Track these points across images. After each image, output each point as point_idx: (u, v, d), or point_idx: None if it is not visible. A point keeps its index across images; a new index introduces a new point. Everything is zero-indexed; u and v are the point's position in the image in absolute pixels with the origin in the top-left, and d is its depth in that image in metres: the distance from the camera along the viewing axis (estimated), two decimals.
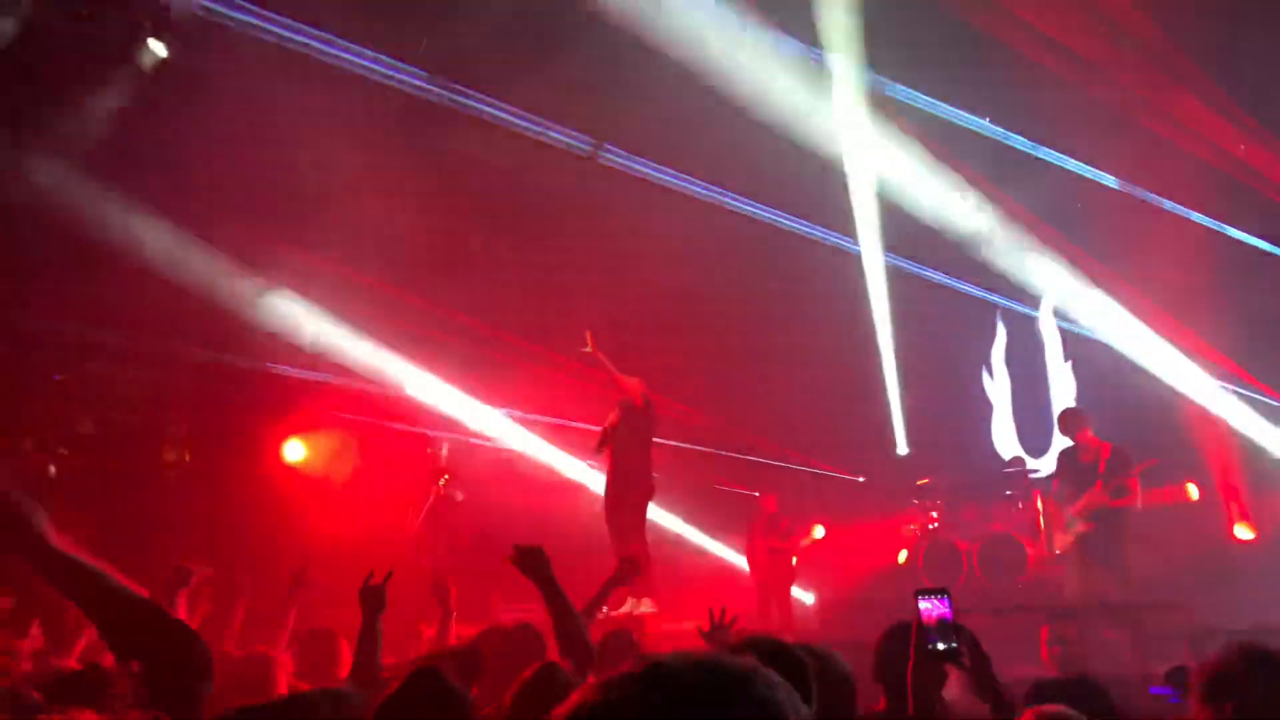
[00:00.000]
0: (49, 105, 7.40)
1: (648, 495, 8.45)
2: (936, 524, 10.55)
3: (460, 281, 10.24)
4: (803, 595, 11.32)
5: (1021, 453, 11.67)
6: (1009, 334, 12.66)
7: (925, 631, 2.73)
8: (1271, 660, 2.46)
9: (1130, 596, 7.64)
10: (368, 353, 10.10)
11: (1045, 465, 11.20)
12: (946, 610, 2.74)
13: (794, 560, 10.38)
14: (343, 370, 10.06)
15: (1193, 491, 9.67)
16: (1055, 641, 5.38)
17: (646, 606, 8.01)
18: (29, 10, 5.90)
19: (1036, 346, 12.42)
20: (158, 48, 7.98)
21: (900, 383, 12.35)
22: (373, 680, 3.30)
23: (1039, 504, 10.01)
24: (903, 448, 12.56)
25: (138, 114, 8.04)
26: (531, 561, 3.67)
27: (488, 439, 11.12)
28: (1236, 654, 2.49)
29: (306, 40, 8.22)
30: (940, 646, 2.71)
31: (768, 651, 2.17)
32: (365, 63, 8.58)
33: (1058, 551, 8.47)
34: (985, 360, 12.76)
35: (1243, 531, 9.90)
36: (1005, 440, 12.35)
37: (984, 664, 2.78)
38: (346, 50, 8.44)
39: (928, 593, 2.79)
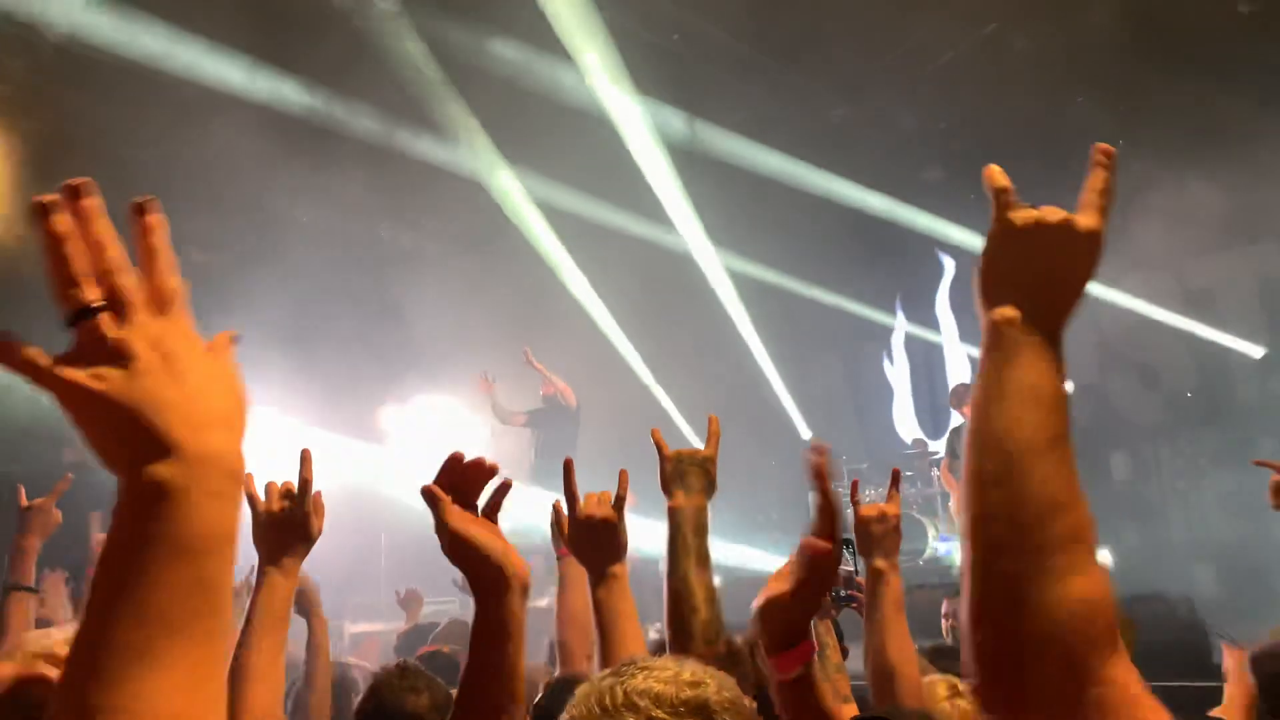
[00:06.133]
0: None
1: None
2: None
3: None
4: None
5: (921, 435, 12.12)
6: (908, 317, 13.10)
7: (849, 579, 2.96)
8: None
9: None
10: None
11: (943, 445, 11.68)
12: (849, 561, 2.96)
13: None
14: None
15: None
16: (952, 616, 5.66)
17: None
18: None
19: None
20: None
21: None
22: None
23: (938, 484, 10.47)
24: (806, 432, 12.91)
25: None
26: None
27: None
28: None
29: None
30: (842, 593, 2.94)
31: None
32: None
33: (958, 528, 8.84)
34: (884, 346, 13.19)
35: None
36: (905, 423, 12.80)
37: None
38: None
39: (851, 543, 3.02)
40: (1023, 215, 1.10)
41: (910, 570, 9.74)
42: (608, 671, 1.22)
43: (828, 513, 1.53)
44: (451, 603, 8.62)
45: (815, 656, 1.54)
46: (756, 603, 1.54)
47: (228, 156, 8.30)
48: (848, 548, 2.96)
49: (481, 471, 1.60)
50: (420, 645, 4.27)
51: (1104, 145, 1.10)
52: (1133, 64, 8.83)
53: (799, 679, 1.49)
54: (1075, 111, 9.73)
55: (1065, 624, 0.94)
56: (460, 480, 1.59)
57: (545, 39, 8.58)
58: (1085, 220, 1.10)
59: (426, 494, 1.56)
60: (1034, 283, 1.09)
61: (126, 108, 7.76)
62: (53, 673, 1.86)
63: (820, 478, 1.54)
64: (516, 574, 1.48)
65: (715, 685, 1.21)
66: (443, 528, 1.52)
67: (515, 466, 9.94)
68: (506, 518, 1.63)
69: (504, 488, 1.65)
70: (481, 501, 1.61)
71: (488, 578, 1.48)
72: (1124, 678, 0.94)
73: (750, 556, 9.63)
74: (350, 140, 9.05)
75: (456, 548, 1.50)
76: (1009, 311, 1.07)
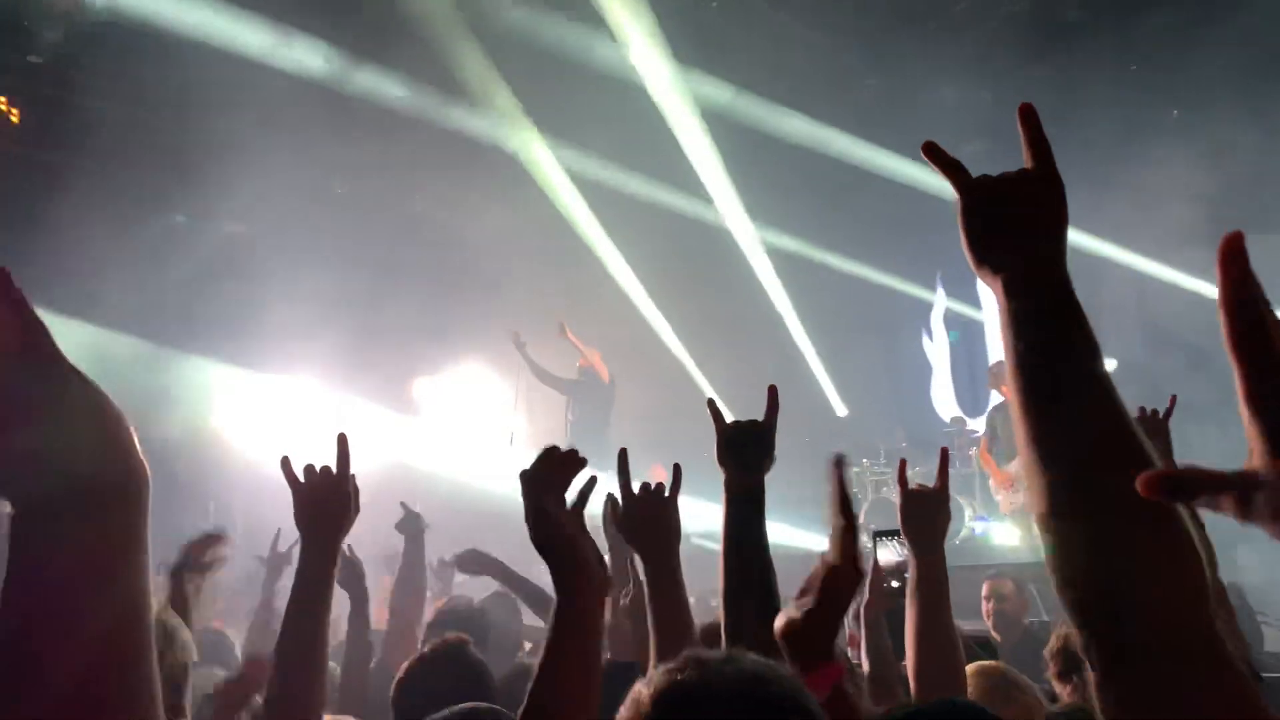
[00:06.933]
0: None
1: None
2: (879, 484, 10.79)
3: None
4: None
5: (960, 413, 11.94)
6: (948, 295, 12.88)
7: (882, 571, 2.89)
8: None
9: None
10: None
11: (981, 424, 11.50)
12: (900, 551, 2.89)
13: None
14: None
15: None
16: (993, 597, 5.54)
17: None
18: None
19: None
20: None
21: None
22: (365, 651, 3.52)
23: (976, 464, 10.30)
24: (841, 409, 12.78)
25: None
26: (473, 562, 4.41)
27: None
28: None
29: None
30: (894, 584, 2.86)
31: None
32: None
33: (1005, 512, 8.70)
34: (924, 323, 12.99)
35: None
36: (944, 401, 12.62)
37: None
38: None
39: (884, 534, 2.95)
40: (982, 178, 1.17)
41: (947, 551, 9.61)
42: (664, 668, 1.15)
43: (848, 536, 1.49)
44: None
45: (846, 674, 1.48)
46: (778, 627, 1.49)
47: (262, 128, 8.30)
48: (895, 538, 2.88)
49: (574, 465, 1.61)
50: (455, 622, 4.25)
51: (1022, 104, 1.16)
52: (1185, 32, 8.55)
53: (832, 699, 1.42)
54: (1126, 80, 9.45)
55: (1156, 574, 0.94)
56: (553, 471, 1.59)
57: (581, 7, 8.46)
58: (1039, 167, 1.14)
59: (526, 480, 1.57)
60: (1019, 234, 1.12)
61: (161, 80, 7.77)
62: None
63: (841, 497, 1.50)
64: (602, 575, 1.52)
65: (778, 679, 1.14)
66: (542, 516, 1.54)
67: (544, 441, 9.94)
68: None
69: (591, 483, 1.68)
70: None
71: (578, 575, 1.51)
72: (1220, 639, 0.93)
73: (786, 533, 9.56)
74: (384, 111, 9.01)
75: (551, 540, 1.53)
76: (1017, 268, 1.11)
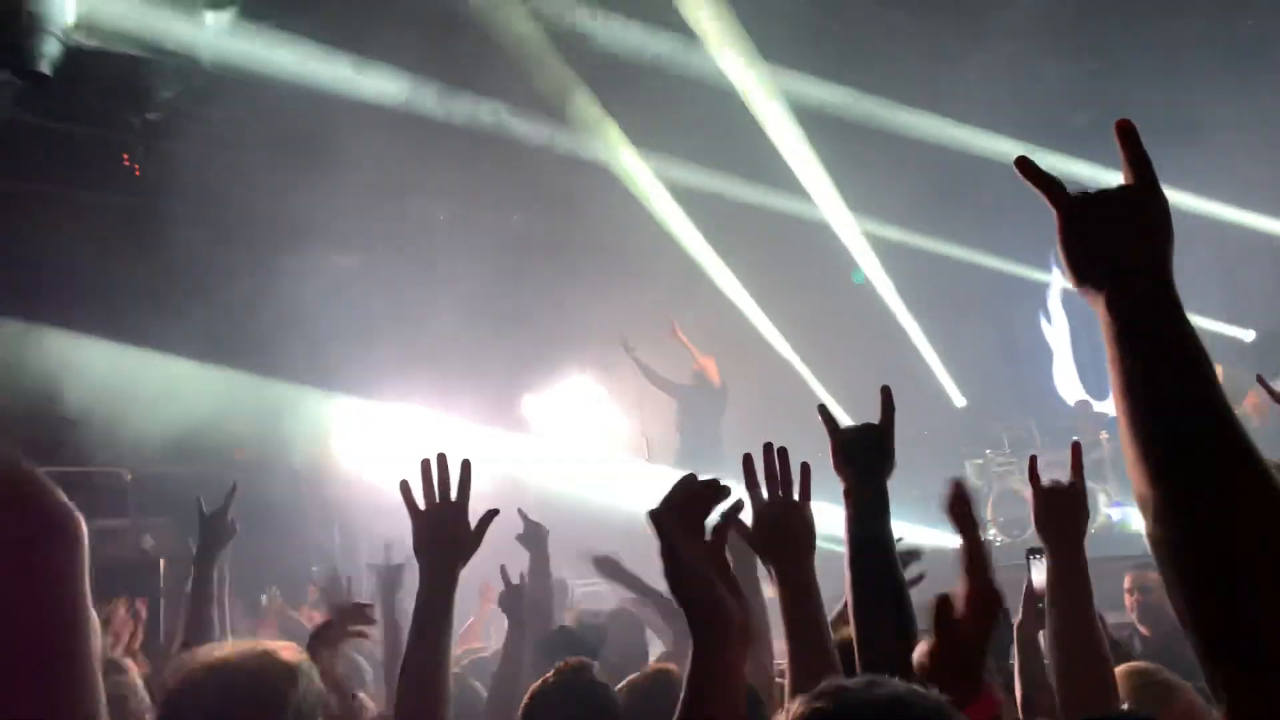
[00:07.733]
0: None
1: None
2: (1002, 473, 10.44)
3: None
4: None
5: (1085, 395, 11.47)
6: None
7: (1036, 590, 2.74)
8: None
9: None
10: None
11: (1110, 406, 11.01)
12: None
13: None
14: None
15: None
16: (1137, 589, 5.28)
17: None
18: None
19: None
20: None
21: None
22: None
23: (1106, 447, 9.88)
24: (959, 399, 12.42)
25: None
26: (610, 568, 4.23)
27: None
28: None
29: None
30: (1042, 604, 2.72)
31: None
32: None
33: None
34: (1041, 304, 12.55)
35: None
36: (1067, 383, 12.15)
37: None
38: None
39: (1038, 551, 2.82)
40: (1080, 195, 1.15)
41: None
42: (803, 698, 1.11)
43: (977, 559, 1.34)
44: (597, 585, 8.65)
45: (1002, 704, 1.36)
46: (918, 661, 1.36)
47: (365, 162, 8.54)
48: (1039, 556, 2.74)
49: (714, 495, 1.48)
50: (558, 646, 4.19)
51: (1119, 121, 1.13)
52: None
53: None
54: (1242, 37, 8.93)
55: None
56: (689, 507, 1.45)
57: (667, 15, 8.43)
58: (1140, 182, 1.12)
59: (656, 518, 1.41)
60: (1120, 252, 1.10)
61: (267, 124, 8.05)
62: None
63: (963, 518, 1.35)
64: (744, 624, 1.37)
65: (920, 703, 1.08)
66: (676, 561, 1.40)
67: (663, 450, 9.94)
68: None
69: (736, 508, 1.53)
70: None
71: (716, 629, 1.36)
72: None
73: (902, 530, 9.32)
74: (480, 135, 9.15)
75: (687, 588, 1.39)
76: (1119, 286, 1.09)
